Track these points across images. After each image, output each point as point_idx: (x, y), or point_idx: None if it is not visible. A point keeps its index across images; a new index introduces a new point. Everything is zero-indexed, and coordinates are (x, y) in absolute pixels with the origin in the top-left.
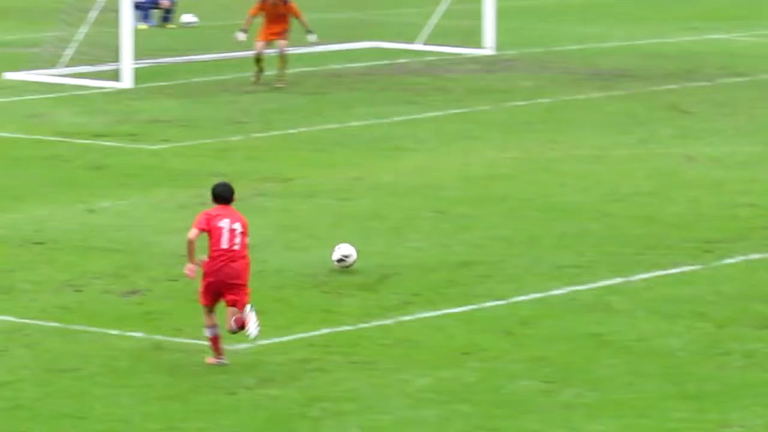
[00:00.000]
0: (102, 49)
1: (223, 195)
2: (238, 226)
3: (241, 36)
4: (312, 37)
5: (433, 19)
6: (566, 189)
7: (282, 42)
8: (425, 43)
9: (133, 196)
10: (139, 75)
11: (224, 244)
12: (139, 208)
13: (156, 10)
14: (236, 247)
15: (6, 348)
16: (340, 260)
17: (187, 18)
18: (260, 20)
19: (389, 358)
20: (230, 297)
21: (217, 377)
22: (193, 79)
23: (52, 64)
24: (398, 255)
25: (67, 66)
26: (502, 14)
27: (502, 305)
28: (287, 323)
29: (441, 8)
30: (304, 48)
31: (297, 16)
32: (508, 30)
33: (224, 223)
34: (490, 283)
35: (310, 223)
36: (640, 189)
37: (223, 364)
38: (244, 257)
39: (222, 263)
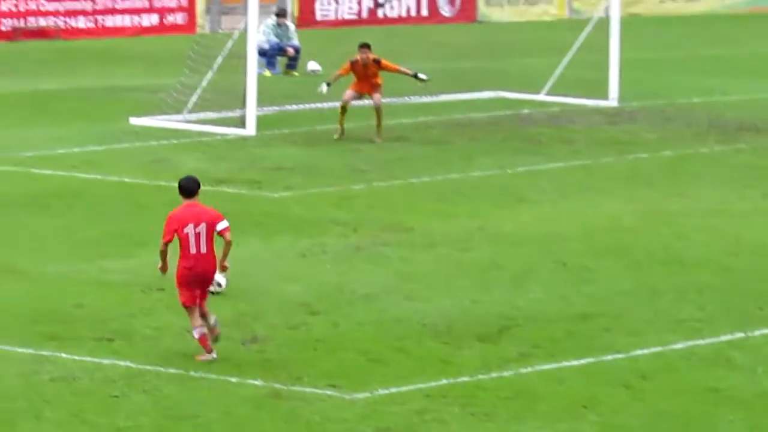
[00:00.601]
0: (226, 96)
1: (187, 188)
2: (202, 229)
3: (324, 88)
4: (422, 75)
5: (558, 70)
6: (688, 242)
7: (377, 95)
8: (549, 94)
9: (253, 243)
10: (263, 122)
11: (192, 250)
12: (260, 256)
13: (281, 58)
14: (203, 251)
15: (125, 394)
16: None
17: (311, 66)
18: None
19: (507, 410)
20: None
21: (335, 426)
22: (317, 127)
23: (176, 110)
24: (518, 306)
25: (191, 112)
26: (626, 66)
27: (621, 358)
28: (406, 373)
29: (565, 59)
30: (428, 98)
31: (395, 71)
32: (633, 81)
33: (189, 230)
34: (609, 335)
35: (430, 273)
36: (763, 243)
37: (212, 359)
38: (212, 258)
39: (194, 266)
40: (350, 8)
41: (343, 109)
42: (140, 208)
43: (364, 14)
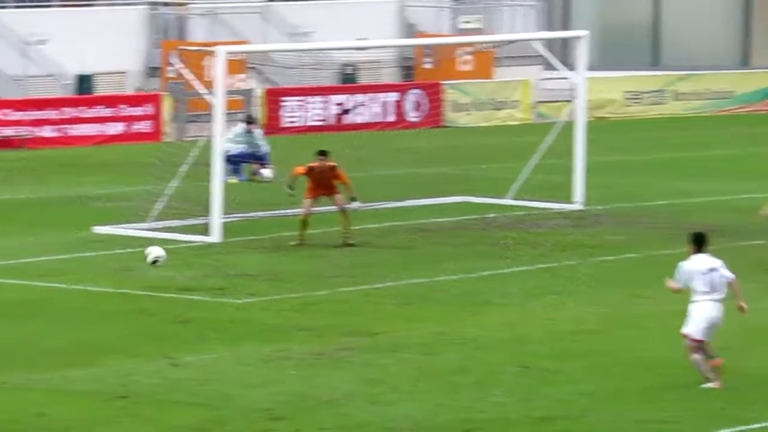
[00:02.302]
0: (192, 204)
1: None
2: None
3: (289, 191)
4: (355, 204)
5: (523, 174)
6: (651, 344)
7: (338, 197)
8: (514, 198)
9: (217, 350)
10: (229, 229)
11: None
12: (224, 362)
13: (246, 165)
14: None
15: None
16: (154, 262)
17: (265, 173)
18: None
19: None
20: None
21: None
22: (283, 233)
23: (141, 219)
24: (481, 410)
25: (156, 220)
26: (591, 169)
27: None
28: None
29: (531, 163)
30: (393, 203)
31: (344, 183)
32: (598, 185)
33: None
34: None
35: (394, 377)
36: (726, 344)
37: None
38: None
39: None
40: (317, 114)
41: (305, 222)
42: (104, 316)
43: (331, 120)
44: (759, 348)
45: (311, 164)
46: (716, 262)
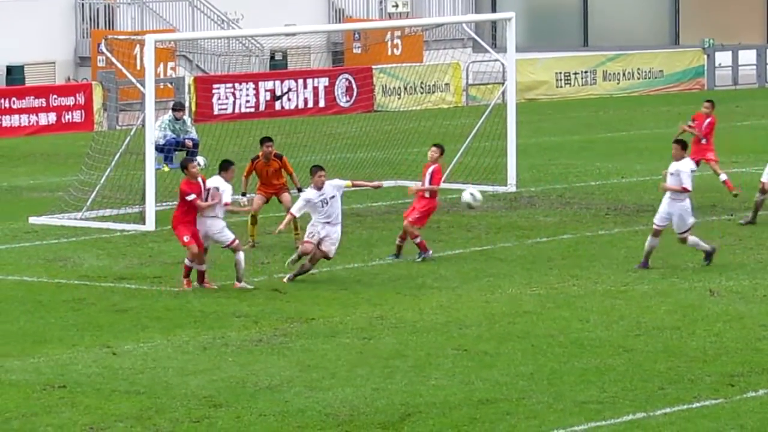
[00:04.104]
0: (125, 193)
1: None
2: None
3: (244, 200)
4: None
5: (456, 157)
6: (588, 325)
7: (285, 196)
8: (447, 181)
9: (156, 338)
10: (162, 217)
11: None
12: (162, 350)
13: (178, 152)
14: None
15: None
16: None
17: (199, 160)
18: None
19: None
20: None
21: None
22: None
23: (76, 208)
24: (420, 393)
25: (90, 210)
26: (524, 151)
27: None
28: None
29: (463, 146)
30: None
31: (290, 173)
32: (531, 167)
33: None
34: (511, 420)
35: (332, 362)
36: (663, 324)
37: None
38: None
39: None
40: (248, 101)
41: (254, 219)
42: (40, 306)
43: (262, 107)
44: (695, 327)
45: (254, 156)
46: None
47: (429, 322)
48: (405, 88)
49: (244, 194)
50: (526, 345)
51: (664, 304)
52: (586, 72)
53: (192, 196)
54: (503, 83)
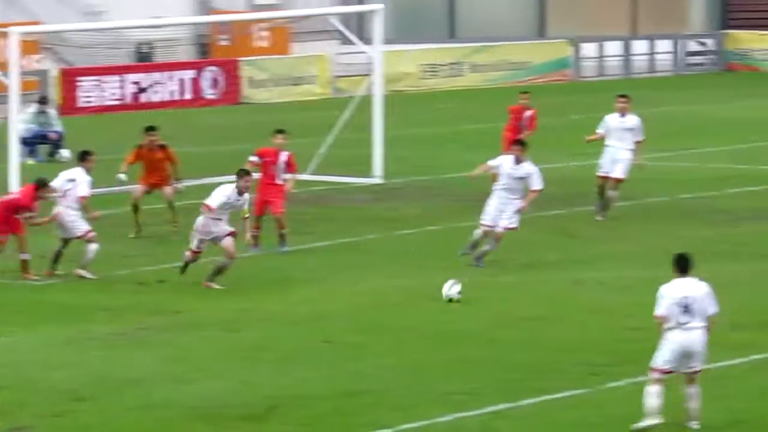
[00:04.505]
0: None
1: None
2: None
3: (123, 177)
4: (180, 186)
5: (322, 149)
6: (453, 316)
7: (167, 189)
8: (313, 173)
9: (18, 332)
10: None
11: None
12: (25, 345)
13: (43, 146)
14: None
15: None
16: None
17: (63, 152)
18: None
19: None
20: None
21: None
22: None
23: None
24: (285, 386)
25: None
26: (390, 143)
27: None
28: None
29: (329, 138)
30: (193, 181)
31: (173, 163)
32: (397, 158)
33: None
34: (376, 411)
35: (197, 355)
36: (528, 314)
37: None
38: None
39: None
40: (113, 93)
41: (135, 207)
42: None
43: (128, 99)
44: (560, 317)
45: (139, 144)
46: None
47: (295, 315)
48: (272, 80)
49: (123, 173)
50: (391, 337)
51: (529, 295)
52: (452, 63)
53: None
54: (370, 75)
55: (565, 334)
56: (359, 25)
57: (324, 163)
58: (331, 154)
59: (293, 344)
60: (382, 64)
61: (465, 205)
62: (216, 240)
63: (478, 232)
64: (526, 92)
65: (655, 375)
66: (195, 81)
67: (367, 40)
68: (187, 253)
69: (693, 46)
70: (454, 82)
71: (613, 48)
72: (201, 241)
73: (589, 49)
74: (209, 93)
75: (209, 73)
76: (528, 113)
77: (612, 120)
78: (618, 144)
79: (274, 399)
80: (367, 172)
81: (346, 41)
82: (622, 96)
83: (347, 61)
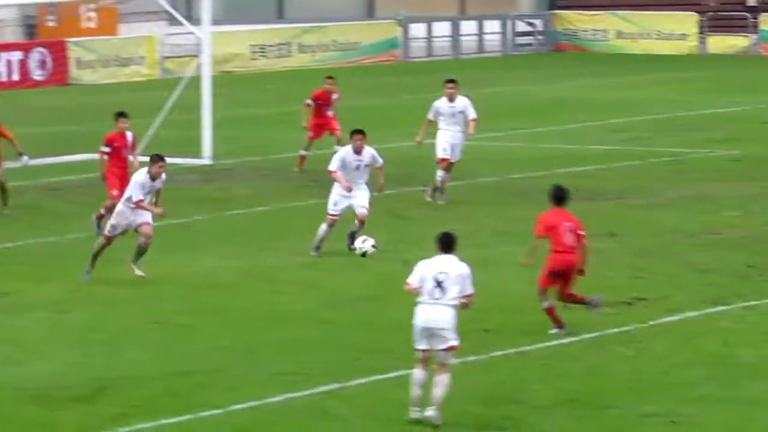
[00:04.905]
0: None
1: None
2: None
3: None
4: (24, 159)
5: (151, 130)
6: (285, 297)
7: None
8: (143, 154)
9: None
10: None
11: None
12: None
13: None
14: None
15: None
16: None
17: None
18: None
19: None
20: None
21: None
22: None
23: None
24: (116, 367)
25: None
26: (220, 124)
27: (219, 414)
28: None
29: (158, 119)
30: (11, 163)
31: (8, 138)
32: (227, 139)
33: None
34: (207, 392)
35: (25, 336)
36: (359, 294)
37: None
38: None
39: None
40: None
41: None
42: None
43: None
44: (391, 297)
45: None
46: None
47: (124, 296)
48: (99, 61)
49: None
50: (222, 318)
51: (359, 276)
52: (281, 44)
53: None
54: (198, 56)
55: (395, 314)
56: (187, 6)
57: (153, 144)
58: (160, 135)
59: (124, 325)
60: (211, 44)
61: (295, 186)
62: (130, 226)
63: (323, 228)
64: (331, 77)
65: (419, 355)
66: (22, 62)
67: (195, 20)
68: (101, 239)
69: (522, 26)
70: (283, 63)
71: (442, 28)
72: (114, 227)
73: (418, 29)
74: (37, 74)
75: (37, 54)
76: (335, 96)
77: (441, 105)
78: (453, 128)
79: (105, 380)
80: (196, 153)
81: (175, 22)
82: (450, 81)
83: (175, 42)
